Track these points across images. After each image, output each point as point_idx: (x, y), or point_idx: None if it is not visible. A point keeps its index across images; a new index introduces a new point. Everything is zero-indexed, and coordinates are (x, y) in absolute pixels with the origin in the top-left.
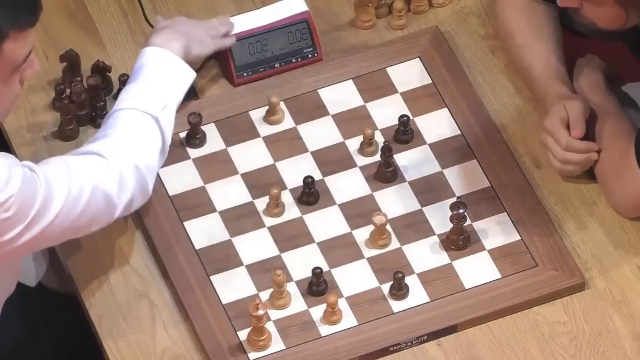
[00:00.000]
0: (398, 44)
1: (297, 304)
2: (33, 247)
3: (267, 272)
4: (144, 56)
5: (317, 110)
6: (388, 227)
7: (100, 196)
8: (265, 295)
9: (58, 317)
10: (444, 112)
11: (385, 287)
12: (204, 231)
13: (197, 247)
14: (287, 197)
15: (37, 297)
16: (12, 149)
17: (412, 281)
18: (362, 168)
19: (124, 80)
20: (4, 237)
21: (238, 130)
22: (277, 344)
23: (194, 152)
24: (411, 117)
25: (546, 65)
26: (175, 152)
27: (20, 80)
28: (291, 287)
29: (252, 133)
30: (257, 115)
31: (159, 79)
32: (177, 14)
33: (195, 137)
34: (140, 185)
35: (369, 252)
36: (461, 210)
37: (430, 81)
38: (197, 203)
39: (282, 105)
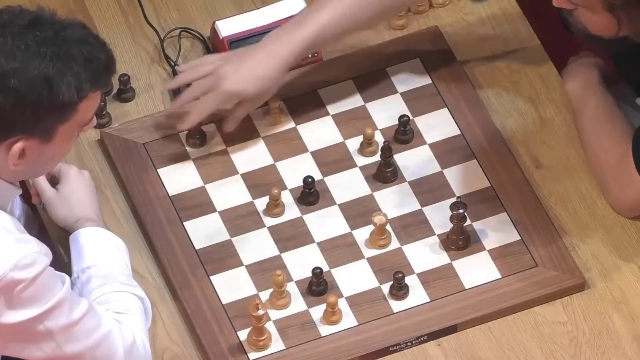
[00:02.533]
0: (398, 44)
1: (297, 304)
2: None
3: (267, 272)
4: (81, 237)
5: (317, 110)
6: (388, 227)
7: (105, 333)
8: (265, 295)
9: None
10: (444, 112)
11: (385, 287)
12: (204, 231)
13: (197, 247)
14: (287, 197)
15: None
16: None
17: (412, 281)
18: (362, 168)
19: (124, 80)
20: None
21: (238, 130)
22: (277, 344)
23: (194, 152)
24: (411, 117)
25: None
26: (175, 152)
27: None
28: (291, 287)
29: (252, 133)
30: (257, 115)
31: (107, 259)
32: (177, 14)
33: (194, 137)
34: (143, 349)
35: (369, 252)
36: (461, 210)
37: (430, 81)
38: (197, 203)
39: (282, 105)
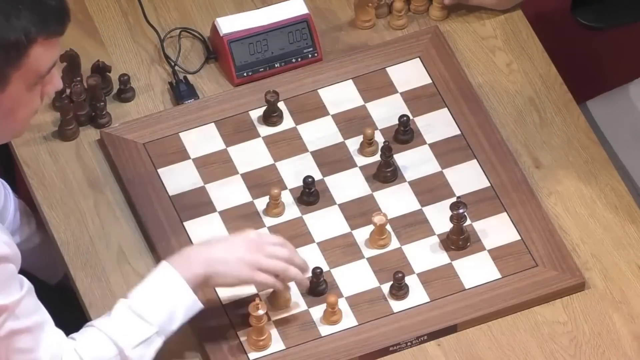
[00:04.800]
0: (398, 44)
1: (297, 304)
2: None
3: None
4: (153, 273)
5: (317, 110)
6: (388, 227)
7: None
8: (265, 295)
9: (79, 314)
10: (444, 112)
11: (385, 287)
12: (204, 231)
13: None
14: (287, 197)
15: (57, 295)
16: (13, 149)
17: (412, 281)
18: (362, 168)
19: (124, 80)
20: None
21: (238, 130)
22: (277, 344)
23: (192, 153)
24: (411, 117)
25: None
26: (175, 152)
27: (41, 95)
28: (291, 287)
29: (252, 133)
30: (257, 115)
31: (153, 309)
32: (177, 14)
33: (272, 115)
34: None
35: (369, 252)
36: (461, 210)
37: (430, 81)
38: (197, 203)
39: (282, 105)
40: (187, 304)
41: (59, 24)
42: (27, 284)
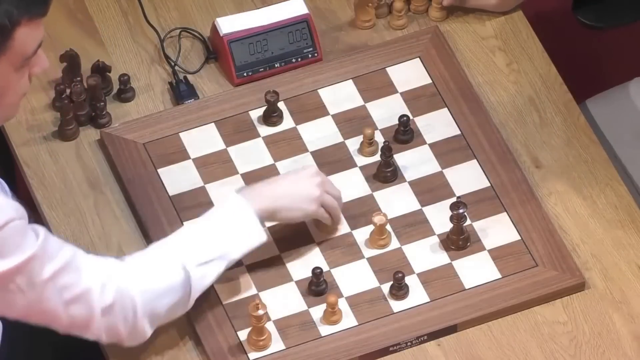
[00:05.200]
0: (398, 44)
1: (297, 304)
2: None
3: (267, 272)
4: (224, 203)
5: (317, 110)
6: (388, 227)
7: (81, 292)
8: (265, 295)
9: None
10: (444, 112)
11: (385, 287)
12: None
13: None
14: None
15: None
16: (12, 149)
17: (412, 281)
18: (362, 168)
19: (124, 80)
20: None
21: (238, 130)
22: (277, 344)
23: (192, 153)
24: (411, 117)
25: None
26: (175, 152)
27: (29, 76)
28: (291, 287)
29: (252, 133)
30: (257, 115)
31: (220, 232)
32: (177, 14)
33: (272, 115)
34: (124, 316)
35: (369, 252)
36: (461, 210)
37: (430, 81)
38: (197, 203)
39: (282, 105)
40: (253, 234)
41: (41, 4)
42: (41, 229)
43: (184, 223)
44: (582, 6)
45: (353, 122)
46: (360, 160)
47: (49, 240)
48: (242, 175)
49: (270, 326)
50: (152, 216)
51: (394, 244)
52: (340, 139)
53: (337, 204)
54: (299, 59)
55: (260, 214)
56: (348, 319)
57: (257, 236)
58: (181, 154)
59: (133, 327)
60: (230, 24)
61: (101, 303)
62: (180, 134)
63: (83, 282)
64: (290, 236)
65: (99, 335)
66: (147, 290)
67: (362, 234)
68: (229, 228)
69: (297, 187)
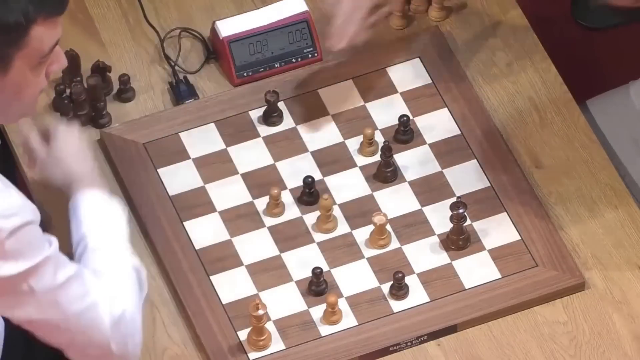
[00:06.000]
0: (398, 44)
1: (297, 304)
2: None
3: (267, 272)
4: (81, 203)
5: (317, 110)
6: (388, 227)
7: (91, 303)
8: (265, 295)
9: None
10: (444, 112)
11: (385, 287)
12: (204, 231)
13: (197, 247)
14: (287, 197)
15: None
16: (12, 149)
17: (412, 281)
18: (362, 168)
19: (124, 80)
20: None
21: (238, 130)
22: (277, 344)
23: (192, 153)
24: (411, 117)
25: None
26: (175, 152)
27: (46, 73)
28: (291, 287)
29: (252, 133)
30: (257, 115)
31: (108, 219)
32: (177, 14)
33: (272, 116)
34: (133, 328)
35: (369, 252)
36: (461, 210)
37: (430, 81)
38: (197, 203)
39: (282, 105)
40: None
41: (58, 2)
42: (53, 238)
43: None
44: (581, 8)
45: (353, 122)
46: (360, 160)
47: (59, 250)
48: (242, 175)
49: (270, 326)
50: (152, 216)
51: (394, 244)
52: (340, 139)
53: None
54: (299, 59)
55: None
56: (348, 319)
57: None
58: (181, 154)
59: (138, 339)
60: (229, 26)
61: (110, 316)
62: (180, 134)
63: (92, 294)
64: (290, 236)
65: (106, 348)
66: (134, 294)
67: (362, 234)
68: (104, 213)
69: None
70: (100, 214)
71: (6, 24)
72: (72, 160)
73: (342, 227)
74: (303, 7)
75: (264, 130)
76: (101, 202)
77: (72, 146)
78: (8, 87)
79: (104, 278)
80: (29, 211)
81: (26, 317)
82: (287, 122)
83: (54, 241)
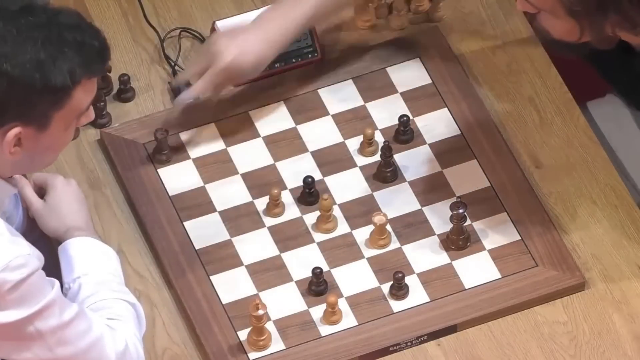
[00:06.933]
0: (398, 44)
1: (297, 304)
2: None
3: (267, 272)
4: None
5: (317, 110)
6: (388, 227)
7: (96, 338)
8: (265, 295)
9: None
10: (444, 112)
11: (385, 287)
12: (204, 231)
13: (197, 247)
14: (287, 197)
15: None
16: None
17: (412, 281)
18: (362, 168)
19: (124, 80)
20: None
21: (238, 130)
22: (277, 344)
23: (192, 153)
24: (411, 117)
25: None
26: (175, 153)
27: (75, 128)
28: (291, 287)
29: (252, 133)
30: (257, 115)
31: (101, 257)
32: (177, 14)
33: (161, 153)
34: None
35: (369, 252)
36: (461, 210)
37: (430, 81)
38: (197, 203)
39: (282, 105)
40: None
41: (102, 63)
42: (54, 280)
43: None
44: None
45: (353, 122)
46: (360, 160)
47: (60, 293)
48: (242, 175)
49: (270, 326)
50: (152, 216)
51: (394, 244)
52: (340, 139)
53: None
54: (299, 59)
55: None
56: (348, 319)
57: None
58: (181, 154)
59: None
60: (229, 26)
61: (114, 348)
62: (180, 134)
63: (95, 329)
64: (290, 236)
65: None
66: (134, 329)
67: (362, 234)
68: (92, 260)
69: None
70: (93, 255)
71: (53, 85)
72: (68, 211)
73: (342, 227)
74: None
75: (264, 130)
76: (94, 245)
77: (68, 198)
78: (42, 143)
79: (104, 312)
80: (35, 259)
81: (35, 358)
82: (287, 122)
83: (56, 284)
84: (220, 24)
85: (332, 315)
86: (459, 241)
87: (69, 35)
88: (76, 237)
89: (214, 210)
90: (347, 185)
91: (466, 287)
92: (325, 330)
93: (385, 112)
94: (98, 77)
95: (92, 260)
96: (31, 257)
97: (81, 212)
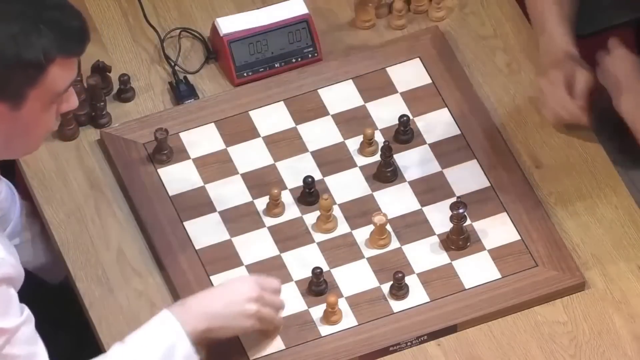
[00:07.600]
0: (398, 44)
1: (297, 304)
2: None
3: (267, 272)
4: (153, 320)
5: (317, 110)
6: (388, 227)
7: None
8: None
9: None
10: (444, 112)
11: (385, 287)
12: (204, 231)
13: (197, 247)
14: (287, 197)
15: (59, 295)
16: None
17: (412, 281)
18: (362, 168)
19: (124, 80)
20: None
21: (238, 130)
22: (277, 344)
23: (192, 153)
24: (411, 117)
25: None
26: (175, 153)
27: (56, 113)
28: (291, 287)
29: (252, 133)
30: (257, 115)
31: (150, 355)
32: (177, 14)
33: (161, 153)
34: None
35: (369, 252)
36: (461, 210)
37: (430, 81)
38: (197, 203)
39: (282, 105)
40: (185, 355)
41: (79, 44)
42: (27, 311)
43: (115, 344)
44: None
45: (353, 122)
46: (360, 160)
47: (28, 325)
48: (242, 175)
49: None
50: (152, 216)
51: (394, 244)
52: (340, 139)
53: (276, 315)
54: (299, 59)
55: (194, 335)
56: (348, 319)
57: (189, 357)
58: (181, 154)
59: None
60: (230, 24)
61: None
62: (180, 134)
63: None
64: (290, 236)
65: None
66: None
67: (362, 234)
68: (159, 351)
69: (232, 304)
70: (156, 347)
71: (25, 60)
72: (224, 303)
73: (342, 227)
74: (303, 8)
75: (264, 130)
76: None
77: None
78: (18, 123)
79: None
80: (7, 265)
81: None
82: (287, 122)
83: (25, 313)
84: (220, 21)
85: (332, 315)
86: (459, 241)
87: (48, 13)
88: (178, 320)
89: (214, 210)
90: (347, 185)
91: (466, 287)
92: (325, 330)
93: (385, 112)
94: (77, 58)
95: (150, 347)
96: (3, 261)
97: (232, 306)
